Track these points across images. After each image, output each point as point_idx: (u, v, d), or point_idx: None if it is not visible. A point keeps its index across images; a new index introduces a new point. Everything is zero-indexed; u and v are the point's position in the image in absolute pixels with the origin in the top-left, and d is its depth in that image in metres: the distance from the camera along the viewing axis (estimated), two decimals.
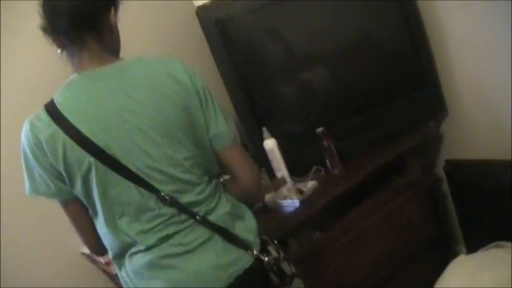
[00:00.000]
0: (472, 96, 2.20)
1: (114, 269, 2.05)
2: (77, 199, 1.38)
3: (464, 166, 2.20)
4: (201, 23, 2.15)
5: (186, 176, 1.37)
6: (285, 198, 2.00)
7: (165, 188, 1.34)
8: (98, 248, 1.49)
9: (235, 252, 1.42)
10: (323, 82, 2.32)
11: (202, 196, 1.39)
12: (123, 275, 1.46)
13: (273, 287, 1.48)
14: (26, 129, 1.32)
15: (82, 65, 1.33)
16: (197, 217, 1.37)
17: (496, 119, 2.13)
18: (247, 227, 1.48)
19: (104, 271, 2.23)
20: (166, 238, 1.36)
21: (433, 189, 2.40)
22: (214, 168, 1.47)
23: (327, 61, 2.28)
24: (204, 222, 1.38)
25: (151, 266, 1.37)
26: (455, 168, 2.24)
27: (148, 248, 1.36)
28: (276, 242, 1.56)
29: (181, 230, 1.37)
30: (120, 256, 1.43)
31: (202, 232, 1.38)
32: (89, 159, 1.28)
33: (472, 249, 1.98)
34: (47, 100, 1.36)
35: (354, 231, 2.11)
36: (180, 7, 2.49)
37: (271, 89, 2.30)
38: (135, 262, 1.40)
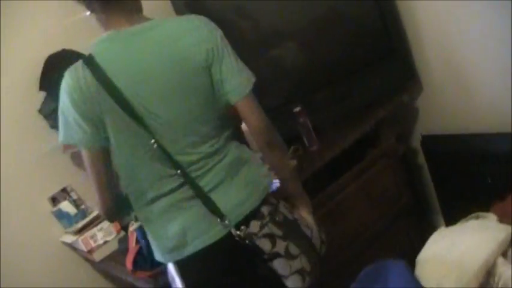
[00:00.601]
0: (444, 69, 2.24)
1: (97, 256, 2.10)
2: (104, 149, 1.44)
3: (440, 141, 2.26)
4: (173, 3, 2.13)
5: (204, 128, 1.48)
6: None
7: (184, 140, 1.45)
8: (111, 207, 1.52)
9: (242, 194, 1.52)
10: (293, 57, 2.33)
11: (214, 148, 1.49)
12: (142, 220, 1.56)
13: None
14: (65, 78, 1.42)
15: (114, 24, 1.44)
16: (210, 165, 1.48)
17: (468, 91, 2.19)
18: (254, 169, 1.58)
19: (86, 259, 2.24)
20: (183, 184, 1.46)
21: (408, 159, 2.47)
22: (227, 122, 1.56)
23: (296, 36, 2.29)
24: (217, 168, 1.49)
25: (171, 207, 1.47)
26: (432, 142, 2.30)
27: (165, 194, 1.46)
28: (278, 205, 1.60)
29: (197, 176, 1.46)
30: (139, 201, 1.50)
31: (217, 176, 1.49)
32: (118, 108, 1.38)
33: (449, 219, 2.06)
34: None
35: (330, 203, 2.16)
36: None
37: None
38: (155, 207, 1.48)
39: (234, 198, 1.50)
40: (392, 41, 2.26)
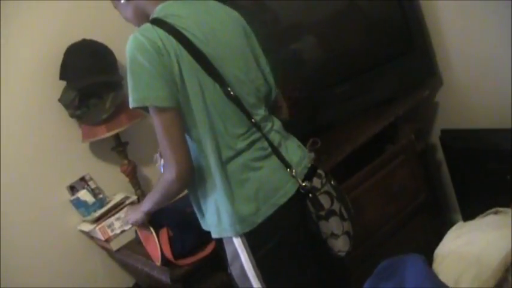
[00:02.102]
0: (466, 65, 2.23)
1: (114, 245, 2.11)
2: (180, 106, 1.41)
3: (460, 136, 2.24)
4: None
5: (258, 93, 1.57)
6: None
7: (249, 99, 1.51)
8: (190, 167, 1.45)
9: (299, 152, 1.61)
10: (313, 51, 2.33)
11: (266, 113, 1.58)
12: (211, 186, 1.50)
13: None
14: (135, 38, 1.39)
15: None
16: (268, 127, 1.55)
17: (490, 87, 2.18)
18: (294, 138, 1.68)
19: (103, 247, 2.26)
20: (252, 143, 1.49)
21: (427, 156, 2.45)
22: (272, 94, 1.69)
23: (316, 29, 2.29)
24: (273, 131, 1.57)
25: (245, 168, 1.48)
26: (451, 138, 2.29)
27: (240, 152, 1.48)
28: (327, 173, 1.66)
29: (261, 137, 1.51)
30: (214, 163, 1.46)
31: (276, 136, 1.56)
32: (194, 63, 1.41)
33: (467, 216, 2.05)
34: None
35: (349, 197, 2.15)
36: None
37: None
38: (230, 167, 1.47)
39: (294, 156, 1.56)
40: (414, 36, 2.25)
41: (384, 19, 2.26)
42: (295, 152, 1.60)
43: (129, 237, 2.11)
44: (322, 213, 1.56)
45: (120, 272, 2.37)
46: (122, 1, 1.53)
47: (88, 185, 2.25)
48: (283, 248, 1.51)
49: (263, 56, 1.65)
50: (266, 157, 1.51)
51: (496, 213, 1.80)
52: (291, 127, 2.18)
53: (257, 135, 1.50)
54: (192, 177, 1.48)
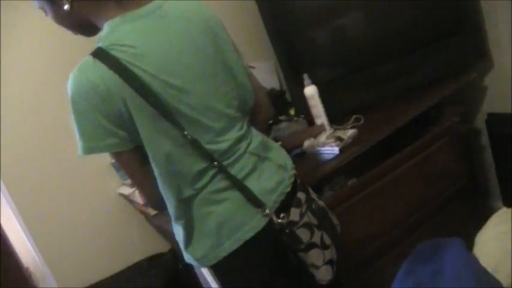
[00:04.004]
0: None
1: (151, 210, 2.14)
2: (136, 147, 1.30)
3: (507, 121, 2.19)
4: None
5: (229, 111, 1.40)
6: (324, 145, 2.01)
7: (214, 126, 1.36)
8: (160, 199, 1.38)
9: (275, 178, 1.44)
10: (359, 27, 2.29)
11: (242, 132, 1.42)
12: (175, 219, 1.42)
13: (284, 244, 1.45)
14: (74, 80, 1.23)
15: (121, 8, 1.29)
16: (240, 151, 1.40)
17: None
18: (279, 154, 1.52)
19: (141, 212, 2.29)
20: (214, 176, 1.35)
21: (470, 140, 2.40)
22: (249, 100, 1.49)
23: (363, 5, 2.24)
24: (246, 153, 1.41)
25: (206, 202, 1.36)
26: (498, 122, 2.23)
27: (201, 189, 1.35)
28: (310, 192, 1.55)
29: (228, 165, 1.37)
30: (174, 200, 1.36)
31: (249, 161, 1.41)
32: (144, 102, 1.24)
33: (509, 204, 2.00)
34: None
35: (386, 178, 2.12)
36: None
37: (309, 35, 2.27)
38: (191, 204, 1.37)
39: (268, 183, 1.42)
40: (466, 17, 2.18)
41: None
42: (272, 176, 1.44)
43: None
44: (301, 246, 1.44)
45: (156, 237, 2.43)
46: (66, 7, 1.29)
47: None
48: (254, 278, 1.42)
49: (237, 57, 1.46)
50: (230, 188, 1.37)
51: None
52: (335, 104, 2.18)
53: (218, 168, 1.35)
54: (163, 204, 1.40)
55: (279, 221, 1.39)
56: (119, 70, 1.22)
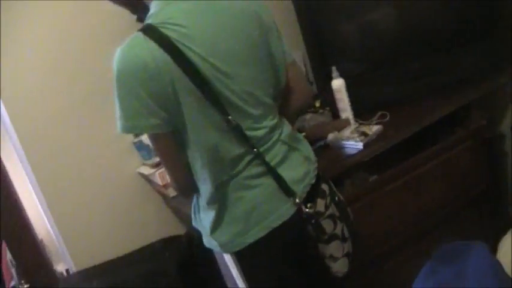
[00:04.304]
0: None
1: (172, 191, 2.14)
2: (172, 131, 1.30)
3: None
4: None
5: (266, 100, 1.41)
6: (348, 139, 2.00)
7: (253, 112, 1.36)
8: (189, 184, 1.41)
9: (303, 169, 1.46)
10: (389, 23, 2.27)
11: (274, 121, 1.43)
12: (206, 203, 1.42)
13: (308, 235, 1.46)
14: (123, 55, 1.22)
15: None
16: (273, 140, 1.41)
17: None
18: (306, 146, 1.53)
19: (160, 193, 2.30)
20: (250, 162, 1.37)
21: (495, 145, 2.38)
22: (282, 89, 1.49)
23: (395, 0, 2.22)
24: (279, 142, 1.42)
25: (239, 186, 1.37)
26: None
27: (236, 175, 1.37)
28: (331, 185, 1.56)
29: (264, 151, 1.38)
30: (209, 184, 1.37)
31: (280, 149, 1.42)
32: (191, 84, 1.24)
33: None
34: None
35: (407, 176, 2.11)
36: None
37: (340, 28, 2.26)
38: (224, 189, 1.38)
39: (297, 173, 1.43)
40: (499, 20, 2.15)
41: None
42: (300, 166, 1.45)
43: None
44: (324, 237, 1.46)
45: (173, 219, 2.43)
46: None
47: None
48: (275, 268, 1.44)
49: (280, 45, 1.46)
50: (264, 174, 1.38)
51: None
52: (361, 99, 2.17)
53: (256, 153, 1.37)
54: (194, 191, 1.43)
55: (307, 210, 1.39)
56: (169, 49, 1.21)
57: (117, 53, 1.23)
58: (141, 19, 2.11)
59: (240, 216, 1.38)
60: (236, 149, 1.35)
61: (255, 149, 1.35)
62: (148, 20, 1.27)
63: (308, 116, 2.14)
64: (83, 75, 2.24)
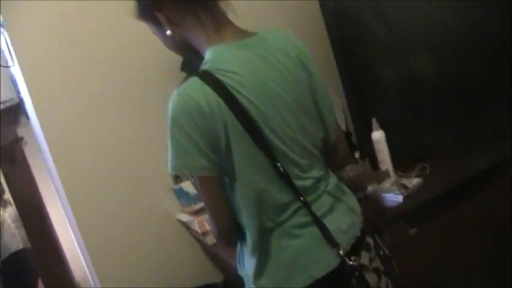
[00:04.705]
0: None
1: (210, 239, 2.15)
2: (220, 175, 1.32)
3: None
4: (321, 7, 2.15)
5: (314, 150, 1.42)
6: (388, 191, 1.99)
7: (300, 162, 1.37)
8: (232, 232, 1.40)
9: (348, 221, 1.44)
10: (426, 69, 2.28)
11: (321, 173, 1.43)
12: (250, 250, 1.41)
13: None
14: (180, 98, 1.27)
15: (220, 35, 1.36)
16: (319, 191, 1.41)
17: None
18: (351, 198, 1.52)
19: (198, 240, 2.31)
20: (296, 211, 1.37)
21: None
22: (330, 142, 1.50)
23: (432, 48, 2.23)
24: (325, 193, 1.42)
25: (284, 235, 1.37)
26: None
27: (282, 222, 1.36)
28: (376, 238, 1.54)
29: (310, 202, 1.38)
30: (252, 231, 1.37)
31: (327, 201, 1.42)
32: (241, 128, 1.27)
33: None
34: None
35: (447, 228, 2.07)
36: None
37: (380, 79, 2.28)
38: (269, 236, 1.37)
39: (342, 224, 1.42)
40: None
41: (506, 46, 2.16)
42: (346, 218, 1.44)
43: None
44: None
45: (210, 267, 2.43)
46: (168, 32, 1.38)
47: (192, 177, 2.30)
48: None
49: (326, 95, 1.48)
50: (310, 224, 1.37)
51: None
52: (401, 150, 2.16)
53: (302, 203, 1.36)
54: (235, 238, 1.43)
55: (350, 263, 1.38)
56: (222, 93, 1.26)
57: (173, 95, 1.29)
58: (184, 68, 2.20)
59: (284, 264, 1.38)
60: (283, 197, 1.35)
61: (301, 198, 1.36)
62: (204, 66, 1.32)
63: (348, 166, 2.14)
64: (128, 118, 2.31)
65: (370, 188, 2.02)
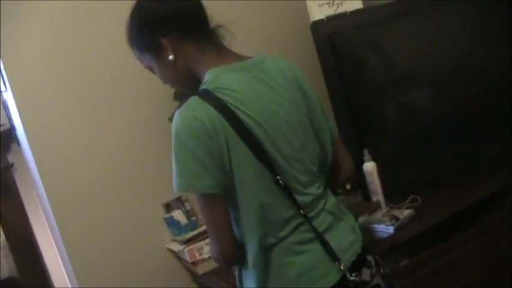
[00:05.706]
0: None
1: (201, 269, 2.13)
2: (223, 193, 1.33)
3: None
4: (314, 37, 2.17)
5: (313, 168, 1.44)
6: (379, 222, 2.00)
7: (300, 179, 1.39)
8: (234, 251, 1.39)
9: (349, 238, 1.46)
10: (424, 104, 2.31)
11: (320, 190, 1.45)
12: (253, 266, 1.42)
13: None
14: (184, 116, 1.30)
15: (221, 59, 1.39)
16: (319, 207, 1.43)
17: None
18: (351, 218, 1.54)
19: (189, 270, 2.29)
20: (297, 227, 1.38)
21: None
22: (328, 163, 1.52)
23: (429, 83, 2.28)
24: (324, 211, 1.44)
25: (288, 252, 1.38)
26: None
27: (284, 238, 1.37)
28: (377, 257, 1.54)
29: (312, 217, 1.39)
30: (255, 247, 1.38)
31: (326, 218, 1.43)
32: (244, 146, 1.30)
33: None
34: None
35: (440, 260, 2.08)
36: (295, 22, 2.54)
37: (374, 110, 2.31)
38: (272, 252, 1.38)
39: (343, 241, 1.44)
40: None
41: (502, 80, 2.19)
42: (346, 236, 1.46)
43: (216, 263, 2.12)
44: None
45: None
46: (170, 57, 1.39)
47: (183, 205, 2.30)
48: None
49: (324, 119, 1.50)
50: (312, 240, 1.39)
51: None
52: (393, 182, 2.17)
53: (303, 218, 1.38)
54: (237, 258, 1.42)
55: (352, 278, 1.39)
56: (224, 110, 1.29)
57: (176, 115, 1.31)
58: (177, 98, 2.21)
59: (289, 281, 1.38)
60: (284, 212, 1.37)
61: (301, 211, 1.38)
62: (203, 86, 1.36)
63: (339, 197, 2.15)
64: (123, 148, 2.31)
65: (361, 219, 2.03)
